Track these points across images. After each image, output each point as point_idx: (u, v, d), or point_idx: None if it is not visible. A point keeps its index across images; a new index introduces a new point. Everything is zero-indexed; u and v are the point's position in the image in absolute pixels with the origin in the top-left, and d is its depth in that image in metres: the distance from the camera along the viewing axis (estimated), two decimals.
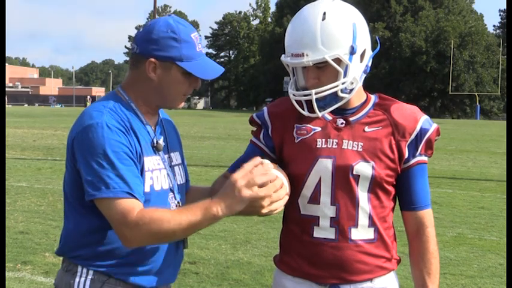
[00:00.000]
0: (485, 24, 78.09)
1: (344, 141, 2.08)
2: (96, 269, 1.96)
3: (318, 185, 2.07)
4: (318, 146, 2.09)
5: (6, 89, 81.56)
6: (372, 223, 2.08)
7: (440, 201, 9.82)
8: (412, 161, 2.10)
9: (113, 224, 1.87)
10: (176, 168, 2.13)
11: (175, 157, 2.15)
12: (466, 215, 8.85)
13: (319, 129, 2.11)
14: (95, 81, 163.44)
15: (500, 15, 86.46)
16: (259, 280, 5.55)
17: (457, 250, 6.80)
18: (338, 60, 2.03)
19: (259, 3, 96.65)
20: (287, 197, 1.99)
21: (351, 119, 2.12)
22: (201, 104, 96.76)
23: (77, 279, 1.96)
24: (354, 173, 2.05)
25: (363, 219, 2.07)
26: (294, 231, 2.14)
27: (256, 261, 6.16)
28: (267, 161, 2.02)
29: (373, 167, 2.05)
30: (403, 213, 2.17)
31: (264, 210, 1.88)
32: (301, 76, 2.10)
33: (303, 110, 2.09)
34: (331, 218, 2.07)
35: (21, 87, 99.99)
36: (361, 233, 2.07)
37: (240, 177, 1.81)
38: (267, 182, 1.90)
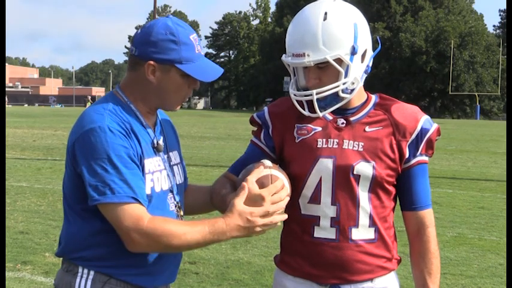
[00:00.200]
0: (485, 24, 78.16)
1: (345, 141, 2.08)
2: (97, 270, 1.95)
3: (318, 185, 2.07)
4: (318, 146, 2.09)
5: (6, 89, 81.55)
6: (372, 223, 2.08)
7: (440, 201, 9.82)
8: (413, 161, 2.10)
9: (119, 229, 1.86)
10: (175, 167, 2.13)
11: (174, 156, 2.15)
12: (466, 215, 8.85)
13: (319, 129, 2.11)
14: (95, 81, 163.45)
15: (500, 15, 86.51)
16: (259, 280, 5.55)
17: (457, 250, 6.80)
18: (339, 61, 2.03)
19: (259, 3, 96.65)
20: (288, 198, 1.99)
21: (352, 119, 2.11)
22: (201, 104, 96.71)
23: (78, 280, 1.95)
24: (355, 172, 2.05)
25: (363, 219, 2.07)
26: (295, 231, 2.14)
27: (256, 261, 6.16)
28: (267, 161, 2.02)
29: (373, 167, 2.05)
30: (404, 213, 2.17)
31: (270, 209, 1.90)
32: (302, 76, 2.10)
33: (304, 110, 2.09)
34: (331, 218, 2.07)
35: (21, 87, 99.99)
36: (361, 233, 2.07)
37: (258, 213, 1.88)
38: (268, 182, 1.91)
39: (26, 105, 79.96)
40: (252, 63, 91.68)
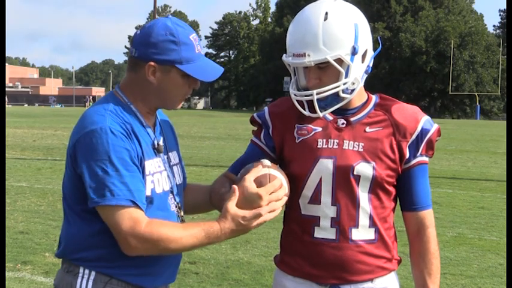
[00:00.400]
0: (485, 24, 78.15)
1: (345, 141, 2.08)
2: (98, 270, 1.95)
3: (318, 185, 2.07)
4: (318, 146, 2.08)
5: (6, 89, 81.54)
6: (372, 223, 2.08)
7: (440, 201, 9.82)
8: (413, 162, 2.10)
9: (116, 231, 1.87)
10: (175, 168, 2.13)
11: (173, 157, 2.15)
12: (466, 215, 8.84)
13: (320, 129, 2.11)
14: (95, 81, 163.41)
15: (500, 15, 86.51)
16: (259, 280, 5.55)
17: (457, 250, 6.80)
18: (340, 61, 2.03)
19: (259, 3, 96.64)
20: (286, 198, 1.99)
21: (352, 119, 2.11)
22: (201, 104, 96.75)
23: (79, 280, 1.95)
24: (355, 173, 2.05)
25: (363, 220, 2.07)
26: (295, 231, 2.14)
27: (256, 261, 6.16)
28: (266, 161, 2.02)
29: (373, 168, 2.05)
30: (404, 214, 2.17)
31: (263, 211, 1.91)
32: (303, 76, 2.10)
33: (304, 110, 2.09)
34: (331, 218, 2.07)
35: (21, 87, 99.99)
36: (361, 233, 2.07)
37: (249, 216, 1.90)
38: (266, 181, 1.92)
39: (26, 105, 79.99)
40: (252, 63, 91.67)
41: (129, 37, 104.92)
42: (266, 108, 2.24)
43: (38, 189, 10.22)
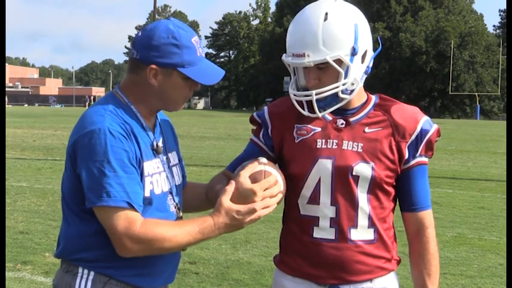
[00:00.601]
0: (485, 24, 78.14)
1: (344, 141, 2.08)
2: (97, 271, 1.96)
3: (317, 186, 2.07)
4: (318, 147, 2.08)
5: (6, 89, 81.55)
6: (371, 224, 2.08)
7: (440, 201, 9.82)
8: (412, 162, 2.10)
9: (111, 233, 1.87)
10: (174, 168, 2.13)
11: (173, 157, 2.15)
12: (466, 215, 8.84)
13: (319, 129, 2.11)
14: (95, 81, 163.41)
15: (500, 15, 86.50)
16: (259, 280, 5.55)
17: (457, 250, 6.80)
18: (339, 61, 2.03)
19: (259, 3, 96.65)
20: (281, 195, 2.00)
21: (351, 119, 2.11)
22: (201, 104, 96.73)
23: (78, 280, 1.95)
24: (354, 173, 2.05)
25: (362, 220, 2.07)
26: (294, 232, 2.14)
27: (256, 261, 6.16)
28: (263, 158, 2.03)
29: (372, 168, 2.05)
30: (403, 214, 2.17)
31: (257, 207, 1.92)
32: (302, 76, 2.10)
33: (303, 110, 2.09)
34: (330, 218, 2.07)
35: (21, 87, 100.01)
36: (360, 233, 2.07)
37: (243, 210, 1.91)
38: (261, 178, 1.93)
39: (26, 105, 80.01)
40: (252, 63, 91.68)
41: (129, 37, 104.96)
42: (266, 108, 2.24)
43: (38, 189, 10.22)
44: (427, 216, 2.15)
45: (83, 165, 1.87)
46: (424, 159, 2.12)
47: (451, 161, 16.82)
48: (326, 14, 2.02)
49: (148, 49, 1.95)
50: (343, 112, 2.12)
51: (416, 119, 2.11)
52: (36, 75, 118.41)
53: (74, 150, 1.91)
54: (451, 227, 8.01)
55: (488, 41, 72.72)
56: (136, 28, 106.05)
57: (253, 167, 1.98)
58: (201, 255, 6.26)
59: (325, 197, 2.07)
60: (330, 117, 2.12)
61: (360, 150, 2.07)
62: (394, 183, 2.12)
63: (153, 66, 1.95)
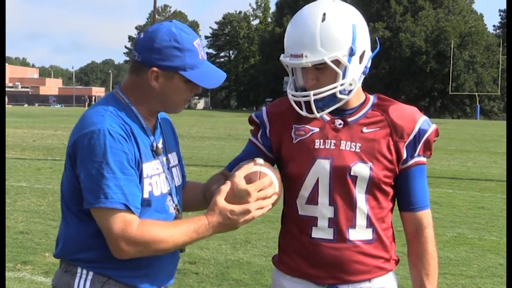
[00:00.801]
0: (485, 24, 78.12)
1: (342, 142, 2.08)
2: (96, 271, 1.96)
3: (315, 186, 2.07)
4: (316, 147, 2.09)
5: (6, 89, 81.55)
6: (369, 224, 2.08)
7: (440, 201, 9.82)
8: (411, 162, 2.10)
9: (107, 234, 1.87)
10: (174, 169, 2.13)
11: (173, 158, 2.15)
12: (466, 215, 8.85)
13: (317, 129, 2.11)
14: (95, 81, 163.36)
15: (500, 15, 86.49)
16: (259, 280, 5.55)
17: (457, 250, 6.80)
18: (337, 62, 2.03)
19: (259, 3, 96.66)
20: (276, 197, 1.99)
21: (349, 119, 2.11)
22: (201, 104, 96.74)
23: (77, 280, 1.96)
24: (352, 173, 2.05)
25: (360, 220, 2.07)
26: (293, 232, 2.14)
27: (256, 261, 6.16)
28: (259, 159, 2.03)
29: (370, 168, 2.05)
30: (402, 214, 2.17)
31: (251, 207, 1.92)
32: (300, 76, 2.10)
33: (302, 110, 2.09)
34: (329, 218, 2.07)
35: (21, 87, 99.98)
36: (359, 233, 2.08)
37: (238, 211, 1.91)
38: (256, 179, 1.93)
39: (26, 105, 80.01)
40: (252, 63, 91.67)
41: (129, 37, 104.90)
42: (264, 108, 2.24)
43: (38, 189, 10.23)
44: (426, 216, 2.15)
45: (82, 165, 1.87)
46: (423, 159, 2.12)
47: (451, 161, 16.82)
48: (324, 14, 2.02)
49: (150, 52, 1.95)
50: (341, 112, 2.12)
51: (414, 119, 2.11)
52: (36, 75, 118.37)
53: (74, 151, 1.91)
54: (451, 227, 8.01)
55: (488, 41, 72.73)
56: (136, 28, 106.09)
57: (248, 168, 1.98)
58: (201, 255, 6.26)
59: (323, 197, 2.07)
60: (328, 118, 2.12)
61: (357, 150, 2.07)
62: (393, 183, 2.12)
63: (155, 68, 1.95)
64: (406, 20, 72.65)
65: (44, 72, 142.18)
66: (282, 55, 2.11)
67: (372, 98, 2.18)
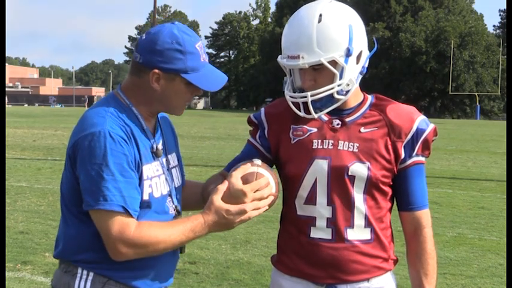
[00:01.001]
0: (485, 24, 78.11)
1: (340, 142, 2.09)
2: (96, 272, 1.96)
3: (314, 186, 2.08)
4: (314, 147, 2.09)
5: (6, 89, 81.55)
6: (368, 223, 2.09)
7: (440, 201, 9.82)
8: (409, 162, 2.10)
9: (105, 236, 1.87)
10: (173, 170, 2.13)
11: (173, 159, 2.15)
12: (466, 215, 8.85)
13: (315, 130, 2.11)
14: (95, 81, 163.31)
15: (500, 15, 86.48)
16: (259, 280, 5.56)
17: (457, 250, 6.80)
18: (334, 63, 2.03)
19: (259, 3, 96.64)
20: (272, 198, 2.00)
21: (347, 119, 2.12)
22: (201, 104, 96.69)
23: (77, 281, 1.96)
24: (349, 173, 2.05)
25: (358, 220, 2.08)
26: (291, 232, 2.15)
27: (256, 261, 6.16)
28: (257, 160, 2.03)
29: (368, 168, 2.05)
30: (401, 214, 2.17)
31: (247, 207, 1.92)
32: (298, 77, 2.10)
33: (299, 111, 2.10)
34: (327, 218, 2.07)
35: (21, 87, 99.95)
36: (357, 233, 2.08)
37: (234, 210, 1.92)
38: (252, 179, 1.93)
39: (26, 105, 79.97)
40: (252, 63, 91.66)
41: (129, 37, 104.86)
42: (263, 109, 2.25)
43: (38, 189, 10.23)
44: (424, 215, 2.15)
45: (82, 167, 1.87)
46: (421, 158, 2.12)
47: (451, 161, 16.82)
48: (320, 15, 2.02)
49: (152, 53, 1.95)
50: (339, 112, 2.12)
51: (412, 119, 2.11)
52: (36, 75, 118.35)
53: (74, 152, 1.91)
54: (451, 227, 8.01)
55: (488, 41, 72.72)
56: (136, 28, 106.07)
57: (246, 168, 1.98)
58: (201, 255, 6.27)
59: (321, 197, 2.07)
60: (325, 118, 2.12)
61: (355, 150, 2.07)
62: (391, 183, 2.12)
63: (156, 70, 1.95)
64: (406, 20, 72.64)
65: (44, 72, 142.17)
66: (279, 56, 2.12)
67: (370, 98, 2.18)
